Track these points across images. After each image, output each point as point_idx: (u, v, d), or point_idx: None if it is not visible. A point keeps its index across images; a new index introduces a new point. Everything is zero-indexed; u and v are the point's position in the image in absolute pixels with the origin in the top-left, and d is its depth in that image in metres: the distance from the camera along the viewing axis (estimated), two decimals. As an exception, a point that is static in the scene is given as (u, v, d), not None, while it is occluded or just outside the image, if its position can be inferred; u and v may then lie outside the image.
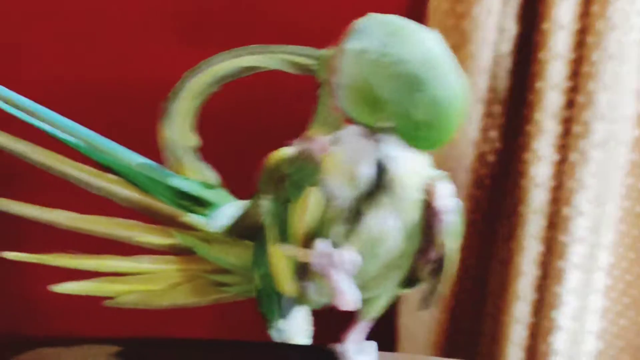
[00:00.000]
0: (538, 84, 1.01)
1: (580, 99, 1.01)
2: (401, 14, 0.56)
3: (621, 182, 1.06)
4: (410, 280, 0.67)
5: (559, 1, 0.99)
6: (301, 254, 0.62)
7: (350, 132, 0.60)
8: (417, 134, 0.55)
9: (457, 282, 1.12)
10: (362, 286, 0.62)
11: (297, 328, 0.76)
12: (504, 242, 1.09)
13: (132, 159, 0.72)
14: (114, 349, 0.75)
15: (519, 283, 1.06)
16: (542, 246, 1.06)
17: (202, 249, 0.72)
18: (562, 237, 1.03)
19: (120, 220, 0.73)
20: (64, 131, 0.71)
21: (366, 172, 0.59)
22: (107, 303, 0.74)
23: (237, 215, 0.70)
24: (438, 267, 0.65)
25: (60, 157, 0.71)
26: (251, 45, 0.67)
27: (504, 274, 1.09)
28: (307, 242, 0.62)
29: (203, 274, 0.73)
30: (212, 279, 0.73)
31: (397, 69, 0.54)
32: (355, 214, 0.60)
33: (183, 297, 0.74)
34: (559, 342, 1.05)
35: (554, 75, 1.01)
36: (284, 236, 0.63)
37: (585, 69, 1.00)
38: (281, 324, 0.70)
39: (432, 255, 0.64)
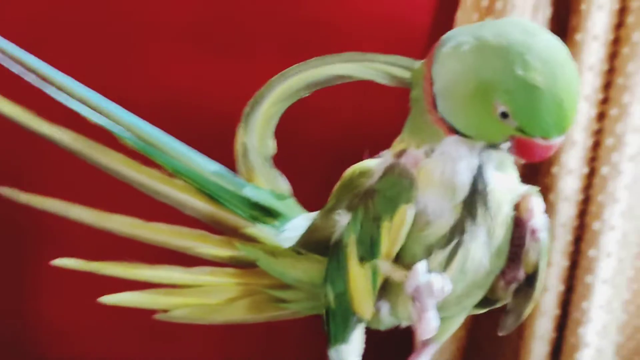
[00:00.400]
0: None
1: (613, 111, 0.99)
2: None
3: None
4: (483, 301, 0.63)
5: (593, 11, 0.97)
6: (397, 275, 0.58)
7: (448, 143, 0.55)
8: (539, 107, 0.50)
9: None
10: (442, 306, 0.58)
11: (352, 348, 0.72)
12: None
13: (204, 164, 0.67)
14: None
15: (543, 299, 1.04)
16: (567, 261, 1.04)
17: (266, 262, 0.67)
18: (592, 252, 1.01)
19: (182, 228, 0.68)
20: (130, 130, 0.65)
21: (465, 181, 0.55)
22: (159, 317, 0.69)
23: (306, 228, 0.65)
24: (523, 287, 0.62)
25: (125, 158, 0.66)
26: (346, 53, 0.62)
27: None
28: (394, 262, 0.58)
29: (263, 288, 0.68)
30: (271, 294, 0.68)
31: (496, 44, 0.51)
32: (450, 234, 0.56)
33: (239, 313, 0.69)
34: (586, 358, 1.03)
35: (586, 87, 0.99)
36: (371, 254, 0.59)
37: (619, 80, 0.98)
38: (345, 344, 0.66)
39: (520, 274, 0.61)
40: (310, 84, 0.64)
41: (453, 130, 0.55)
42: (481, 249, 0.57)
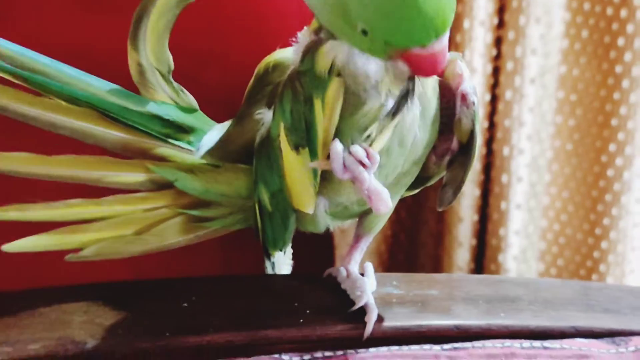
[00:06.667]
0: (465, 23, 0.98)
1: (510, 34, 0.98)
2: None
3: (551, 121, 1.04)
4: (415, 180, 0.61)
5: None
6: (323, 164, 0.55)
7: None
8: (392, 14, 0.47)
9: (389, 234, 1.08)
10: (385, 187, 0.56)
11: (285, 259, 0.69)
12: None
13: (101, 86, 0.61)
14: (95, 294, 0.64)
15: (459, 229, 1.03)
16: (479, 190, 1.03)
17: (185, 180, 0.63)
18: (504, 178, 1.01)
19: (86, 157, 0.62)
20: (9, 59, 0.59)
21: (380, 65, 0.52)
22: (70, 258, 0.63)
23: (220, 138, 0.62)
24: (457, 157, 0.60)
25: (11, 90, 0.59)
26: None
27: (440, 222, 1.05)
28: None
29: (180, 209, 0.64)
30: (191, 214, 0.64)
31: None
32: (382, 105, 0.53)
33: (157, 240, 0.64)
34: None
35: (480, 12, 0.98)
36: (307, 139, 0.55)
37: (514, 3, 0.98)
38: (282, 253, 0.64)
39: (454, 145, 0.59)
40: None
41: None
42: (417, 120, 0.55)
